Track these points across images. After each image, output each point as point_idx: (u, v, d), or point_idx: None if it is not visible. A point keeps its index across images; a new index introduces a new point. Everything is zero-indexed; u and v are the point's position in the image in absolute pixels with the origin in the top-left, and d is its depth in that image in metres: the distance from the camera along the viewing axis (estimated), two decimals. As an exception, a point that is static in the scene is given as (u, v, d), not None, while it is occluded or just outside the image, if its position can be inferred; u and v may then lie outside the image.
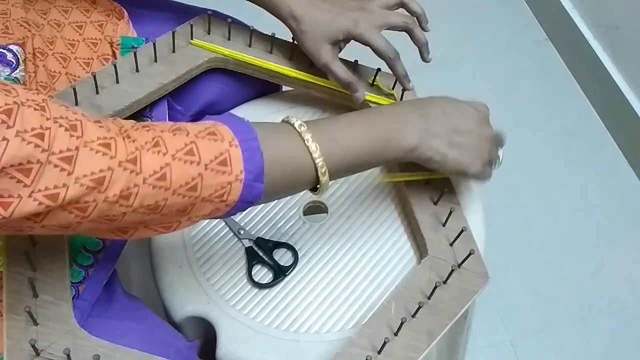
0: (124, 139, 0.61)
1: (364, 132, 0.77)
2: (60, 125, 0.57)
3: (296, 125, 0.73)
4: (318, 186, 0.74)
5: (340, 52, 0.96)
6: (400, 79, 0.96)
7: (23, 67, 0.88)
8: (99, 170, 0.58)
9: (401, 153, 0.79)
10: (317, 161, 0.72)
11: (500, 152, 0.89)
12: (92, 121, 0.61)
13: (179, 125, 0.67)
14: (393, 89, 1.01)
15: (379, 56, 0.93)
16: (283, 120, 0.75)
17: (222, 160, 0.65)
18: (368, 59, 1.01)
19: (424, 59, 0.97)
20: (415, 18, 0.97)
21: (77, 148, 0.58)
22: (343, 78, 0.93)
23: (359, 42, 0.92)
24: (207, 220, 0.95)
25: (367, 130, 0.77)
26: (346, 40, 0.93)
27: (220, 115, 0.72)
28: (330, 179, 0.74)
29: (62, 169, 0.56)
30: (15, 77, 0.87)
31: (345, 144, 0.75)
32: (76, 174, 0.57)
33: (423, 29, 0.98)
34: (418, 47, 0.97)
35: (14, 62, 0.87)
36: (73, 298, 0.79)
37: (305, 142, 0.72)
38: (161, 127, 0.65)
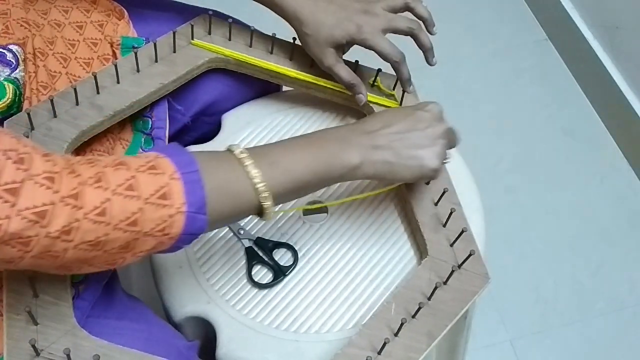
0: (69, 174, 0.61)
1: (305, 154, 0.77)
2: (9, 158, 0.57)
3: (236, 152, 0.72)
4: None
5: (344, 54, 0.96)
6: (403, 81, 0.96)
7: (23, 67, 0.88)
8: (41, 204, 0.58)
9: (346, 172, 0.79)
10: (258, 187, 0.71)
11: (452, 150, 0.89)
12: (40, 154, 0.61)
13: (122, 159, 0.66)
14: (394, 89, 1.01)
15: (383, 59, 0.93)
16: (227, 149, 0.74)
17: (162, 194, 0.64)
18: (368, 59, 1.01)
19: (429, 63, 0.97)
20: (421, 22, 0.96)
21: (22, 180, 0.57)
22: (347, 80, 0.93)
23: (363, 47, 0.92)
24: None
25: (309, 152, 0.77)
26: (350, 43, 0.93)
27: (166, 146, 0.73)
28: (277, 203, 0.74)
29: (6, 201, 0.56)
30: (15, 78, 0.87)
31: (287, 168, 0.75)
32: (19, 206, 0.57)
33: (430, 32, 0.98)
34: (423, 52, 0.96)
35: (14, 62, 0.87)
36: (73, 298, 0.79)
37: (245, 169, 0.71)
38: (105, 162, 0.65)
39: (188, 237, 0.68)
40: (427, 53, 0.96)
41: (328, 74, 0.96)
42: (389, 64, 0.94)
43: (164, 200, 0.65)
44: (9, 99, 0.86)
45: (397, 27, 0.93)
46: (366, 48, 0.92)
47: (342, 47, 0.94)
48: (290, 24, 0.94)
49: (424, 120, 0.83)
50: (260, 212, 0.74)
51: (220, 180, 0.70)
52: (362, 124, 0.83)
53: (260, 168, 0.72)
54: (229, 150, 0.74)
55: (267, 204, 0.72)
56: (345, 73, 0.93)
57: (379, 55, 0.92)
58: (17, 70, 0.87)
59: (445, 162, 0.86)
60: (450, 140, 0.87)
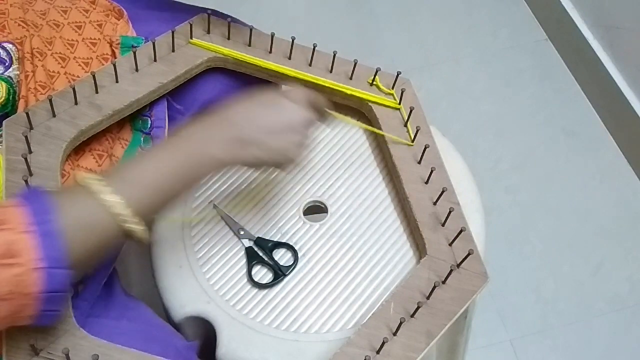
0: None
1: (167, 163, 0.75)
2: None
3: (89, 182, 0.69)
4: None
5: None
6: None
7: (17, 65, 0.88)
8: None
9: (214, 169, 0.79)
10: (117, 212, 0.68)
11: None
12: None
13: None
14: (392, 88, 1.01)
15: None
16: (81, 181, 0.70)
17: (7, 251, 0.59)
18: (368, 59, 1.01)
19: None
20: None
21: None
22: None
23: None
24: (207, 220, 0.95)
25: (170, 160, 0.75)
26: None
27: (26, 191, 0.70)
28: (147, 219, 0.71)
29: None
30: (9, 76, 0.87)
31: (150, 183, 0.72)
32: None
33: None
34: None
35: (7, 60, 0.87)
36: (72, 297, 0.79)
37: (100, 198, 0.68)
38: None
39: (53, 296, 0.63)
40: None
41: (327, 74, 0.96)
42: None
43: (9, 259, 0.60)
44: (2, 98, 0.86)
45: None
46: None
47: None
48: None
49: (289, 109, 0.83)
50: (131, 234, 0.70)
51: (78, 220, 0.67)
52: (226, 114, 0.81)
53: (117, 192, 0.68)
54: (83, 182, 0.69)
55: (136, 228, 0.70)
56: None
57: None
58: (11, 69, 0.87)
59: (305, 147, 0.85)
60: (314, 122, 0.86)
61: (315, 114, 0.87)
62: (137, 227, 0.70)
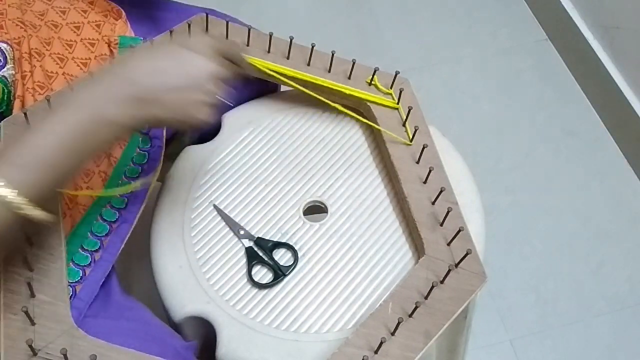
0: None
1: (59, 136, 0.68)
2: None
3: None
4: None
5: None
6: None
7: (12, 65, 0.88)
8: None
9: (115, 135, 0.71)
10: (12, 202, 0.64)
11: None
12: None
13: None
14: (391, 88, 1.01)
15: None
16: None
17: None
18: (368, 59, 1.01)
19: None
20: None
21: None
22: None
23: None
24: (207, 220, 0.95)
25: (62, 131, 0.68)
26: None
27: None
28: (43, 200, 0.66)
29: None
30: (3, 76, 0.86)
31: (42, 163, 0.66)
32: None
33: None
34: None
35: (2, 60, 0.87)
36: (70, 298, 0.79)
37: None
38: None
39: None
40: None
41: (326, 74, 0.96)
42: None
43: None
44: None
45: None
46: None
47: None
48: None
49: (193, 62, 0.75)
50: (30, 219, 0.66)
51: None
52: (120, 67, 0.73)
53: (7, 181, 0.64)
54: None
55: (30, 212, 0.65)
56: None
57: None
58: (6, 68, 0.87)
59: (222, 102, 0.79)
60: (227, 76, 0.78)
61: (229, 65, 0.79)
62: (34, 212, 0.66)
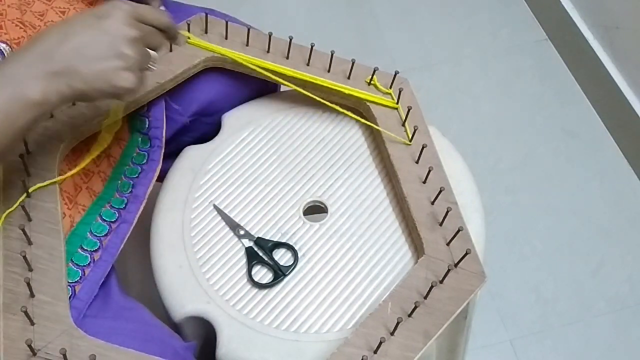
0: None
1: None
2: None
3: None
4: None
5: None
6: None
7: None
8: None
9: (35, 114, 0.68)
10: None
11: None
12: None
13: None
14: (390, 87, 1.01)
15: None
16: None
17: None
18: (368, 59, 1.01)
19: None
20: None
21: None
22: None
23: None
24: (207, 220, 0.95)
25: None
26: None
27: None
28: None
29: None
30: None
31: None
32: None
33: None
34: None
35: (0, 59, 0.87)
36: (69, 298, 0.79)
37: None
38: None
39: None
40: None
41: (325, 74, 0.96)
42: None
43: None
44: None
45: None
46: None
47: None
48: None
49: (109, 30, 0.71)
50: None
51: None
52: (35, 43, 0.70)
53: None
54: None
55: None
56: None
57: None
58: None
59: (149, 69, 0.76)
60: (151, 41, 0.75)
61: (152, 31, 0.75)
62: None
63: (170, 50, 0.97)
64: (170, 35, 0.79)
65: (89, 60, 0.69)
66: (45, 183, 0.84)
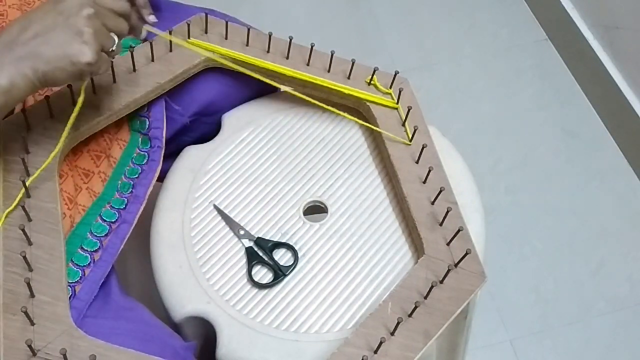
0: None
1: None
2: None
3: None
4: None
5: None
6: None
7: None
8: None
9: (12, 99, 0.71)
10: None
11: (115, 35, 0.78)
12: None
13: None
14: (390, 88, 1.01)
15: None
16: None
17: None
18: (368, 59, 1.01)
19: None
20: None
21: None
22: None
23: None
24: (207, 220, 0.95)
25: None
26: None
27: None
28: None
29: None
30: None
31: None
32: None
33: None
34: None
35: None
36: (70, 298, 0.79)
37: None
38: None
39: None
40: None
41: (325, 74, 0.96)
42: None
43: None
44: None
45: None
46: None
47: None
48: None
49: (65, 11, 0.73)
50: None
51: None
52: (3, 34, 0.73)
53: None
54: None
55: None
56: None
57: None
58: None
59: (111, 52, 0.77)
60: (108, 22, 0.76)
61: (108, 12, 0.76)
62: None
63: (171, 50, 0.97)
64: (130, 23, 0.80)
65: (49, 42, 0.72)
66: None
